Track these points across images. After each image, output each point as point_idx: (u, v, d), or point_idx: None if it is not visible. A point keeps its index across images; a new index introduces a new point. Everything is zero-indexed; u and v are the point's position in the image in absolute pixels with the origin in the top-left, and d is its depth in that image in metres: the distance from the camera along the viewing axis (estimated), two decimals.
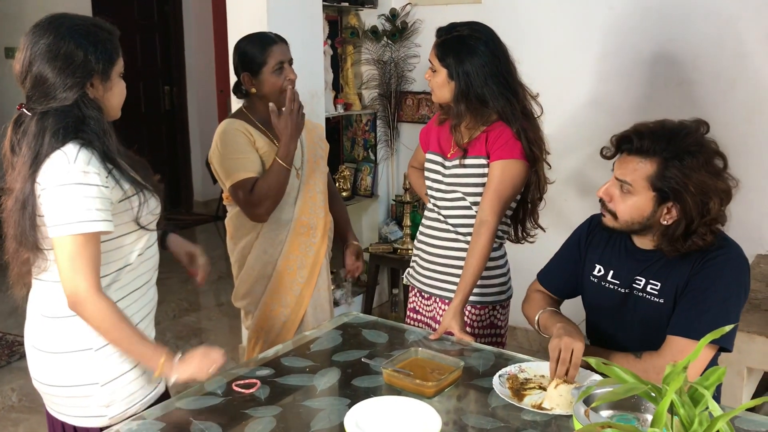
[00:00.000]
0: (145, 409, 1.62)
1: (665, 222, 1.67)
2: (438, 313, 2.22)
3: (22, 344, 3.78)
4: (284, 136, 2.15)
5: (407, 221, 3.91)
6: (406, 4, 3.91)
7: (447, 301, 2.20)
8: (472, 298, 2.15)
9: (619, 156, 1.71)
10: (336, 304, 3.86)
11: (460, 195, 2.13)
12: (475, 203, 2.11)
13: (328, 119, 3.75)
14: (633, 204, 1.66)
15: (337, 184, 3.99)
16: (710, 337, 0.96)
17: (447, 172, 2.15)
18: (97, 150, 1.54)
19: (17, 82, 1.58)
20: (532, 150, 2.06)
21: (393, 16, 3.89)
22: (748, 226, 3.20)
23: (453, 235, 2.18)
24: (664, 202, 1.64)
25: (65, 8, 1.70)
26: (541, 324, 1.88)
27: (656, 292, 1.73)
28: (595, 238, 1.88)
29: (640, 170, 1.63)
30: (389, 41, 3.92)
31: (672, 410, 0.93)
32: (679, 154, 1.60)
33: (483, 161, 2.08)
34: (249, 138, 2.22)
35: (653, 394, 0.95)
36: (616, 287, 1.80)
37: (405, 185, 3.88)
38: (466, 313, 2.18)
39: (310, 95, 3.35)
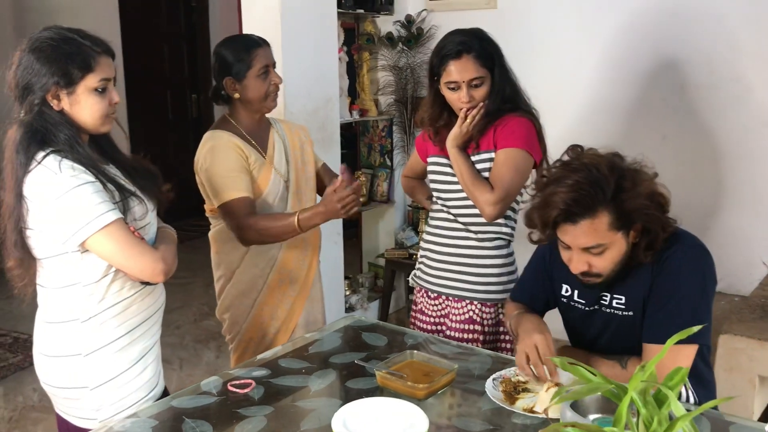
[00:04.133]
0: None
1: (634, 241, 1.64)
2: (451, 312, 2.23)
3: None
4: (321, 212, 2.07)
5: (423, 227, 3.91)
6: (422, 11, 3.93)
7: (458, 299, 2.21)
8: (479, 295, 2.18)
9: (558, 230, 1.62)
10: (351, 309, 3.87)
11: None
12: None
13: (345, 125, 3.78)
14: (612, 255, 1.61)
15: None
16: (676, 338, 0.96)
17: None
18: (77, 160, 1.57)
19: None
20: (541, 140, 2.11)
21: (409, 22, 3.92)
22: (760, 234, 3.15)
23: (464, 233, 2.20)
24: (630, 228, 1.61)
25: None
26: (513, 329, 1.86)
27: (623, 306, 1.72)
28: (559, 256, 1.82)
29: (599, 227, 1.56)
30: (405, 47, 3.94)
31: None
32: (616, 186, 1.55)
33: (493, 155, 2.11)
34: (241, 154, 2.15)
35: (617, 393, 0.94)
36: (582, 306, 1.79)
37: None
38: (475, 309, 2.19)
39: (324, 100, 3.39)
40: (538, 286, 1.92)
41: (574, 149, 1.67)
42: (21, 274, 1.66)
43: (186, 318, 4.47)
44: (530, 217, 1.69)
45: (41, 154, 1.56)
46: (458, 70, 2.05)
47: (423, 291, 2.33)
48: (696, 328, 0.99)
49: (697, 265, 1.64)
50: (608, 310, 1.74)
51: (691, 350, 1.61)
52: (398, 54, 3.97)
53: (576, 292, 1.79)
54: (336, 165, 3.52)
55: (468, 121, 2.08)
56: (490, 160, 2.10)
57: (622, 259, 1.63)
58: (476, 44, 2.05)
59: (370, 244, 4.24)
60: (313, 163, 2.40)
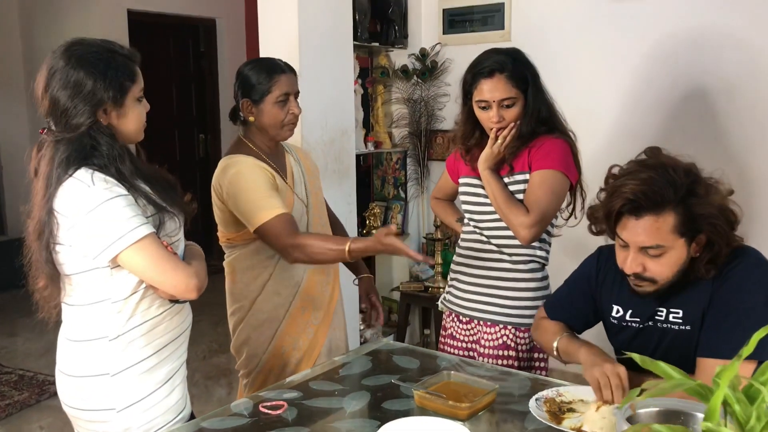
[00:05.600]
0: None
1: (695, 255, 1.59)
2: (483, 337, 2.17)
3: (52, 383, 3.82)
4: (374, 247, 1.95)
5: (438, 259, 3.85)
6: (436, 44, 3.95)
7: (490, 323, 2.15)
8: (513, 319, 2.12)
9: (619, 224, 1.58)
10: (365, 343, 3.79)
11: None
12: None
13: (359, 158, 3.76)
14: (670, 261, 1.56)
15: (367, 222, 3.98)
16: (757, 336, 0.90)
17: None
18: (111, 174, 1.54)
19: (36, 104, 1.58)
20: (576, 162, 2.07)
21: (423, 55, 3.93)
22: None
23: (497, 255, 2.14)
24: (693, 238, 1.57)
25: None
26: (561, 350, 1.78)
27: (680, 320, 1.65)
28: (607, 276, 1.79)
29: (662, 227, 1.52)
30: (419, 80, 3.95)
31: (725, 408, 0.86)
32: (688, 190, 1.52)
33: (527, 176, 2.07)
34: (269, 175, 2.08)
35: (701, 391, 0.88)
36: (636, 324, 1.73)
37: (436, 222, 3.84)
38: (509, 334, 2.13)
39: (341, 132, 3.37)
40: (578, 305, 1.85)
41: (652, 150, 1.63)
42: (51, 293, 1.60)
43: (195, 355, 4.37)
44: (595, 209, 1.65)
45: (74, 167, 1.52)
46: (489, 89, 2.03)
47: (453, 315, 2.27)
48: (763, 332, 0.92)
49: (762, 280, 1.58)
50: (664, 326, 1.67)
51: (751, 367, 1.54)
52: (412, 87, 3.98)
53: (629, 311, 1.73)
54: (352, 196, 3.49)
55: (499, 141, 2.05)
56: (525, 181, 2.07)
57: (679, 270, 1.57)
58: (510, 64, 2.03)
59: (384, 277, 4.17)
60: (321, 189, 2.36)
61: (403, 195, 4.12)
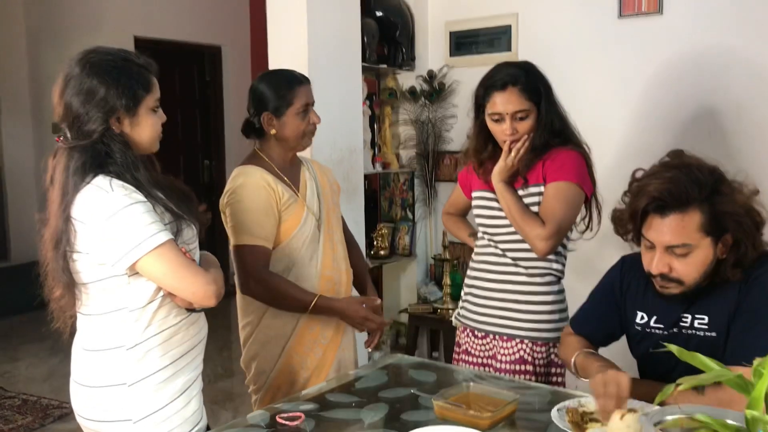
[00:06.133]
0: None
1: (722, 256, 1.59)
2: (499, 352, 2.14)
3: (56, 408, 3.79)
4: (341, 308, 2.12)
5: (447, 280, 3.83)
6: (443, 66, 3.97)
7: (507, 338, 2.12)
8: (530, 333, 2.09)
9: (645, 224, 1.58)
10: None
11: None
12: None
13: (366, 179, 3.76)
14: (696, 261, 1.55)
15: (375, 243, 3.96)
16: None
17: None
18: (127, 181, 1.53)
19: (52, 111, 1.60)
20: (591, 174, 2.07)
21: (430, 77, 3.96)
22: None
23: (513, 268, 2.13)
24: (719, 238, 1.56)
25: None
26: (578, 365, 1.77)
27: (706, 326, 1.63)
28: (631, 284, 1.78)
29: (688, 225, 1.53)
30: (427, 101, 3.97)
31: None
32: (713, 188, 1.53)
33: (542, 188, 2.06)
34: (271, 194, 2.06)
35: (741, 383, 0.86)
36: (661, 331, 1.71)
37: (444, 243, 3.83)
38: (526, 349, 2.10)
39: (349, 151, 3.38)
40: (604, 317, 1.83)
41: (675, 152, 1.64)
42: (68, 302, 1.59)
43: None
44: (620, 211, 1.65)
45: (91, 174, 1.52)
46: (502, 102, 2.04)
47: (468, 330, 2.24)
48: None
49: None
50: (689, 332, 1.65)
51: None
52: (420, 108, 4.00)
53: (653, 317, 1.71)
54: (360, 215, 3.49)
55: (513, 154, 2.05)
56: (540, 194, 2.06)
57: (706, 272, 1.56)
58: (522, 77, 2.04)
59: (392, 299, 4.15)
60: (339, 205, 2.35)
61: (410, 216, 4.10)
